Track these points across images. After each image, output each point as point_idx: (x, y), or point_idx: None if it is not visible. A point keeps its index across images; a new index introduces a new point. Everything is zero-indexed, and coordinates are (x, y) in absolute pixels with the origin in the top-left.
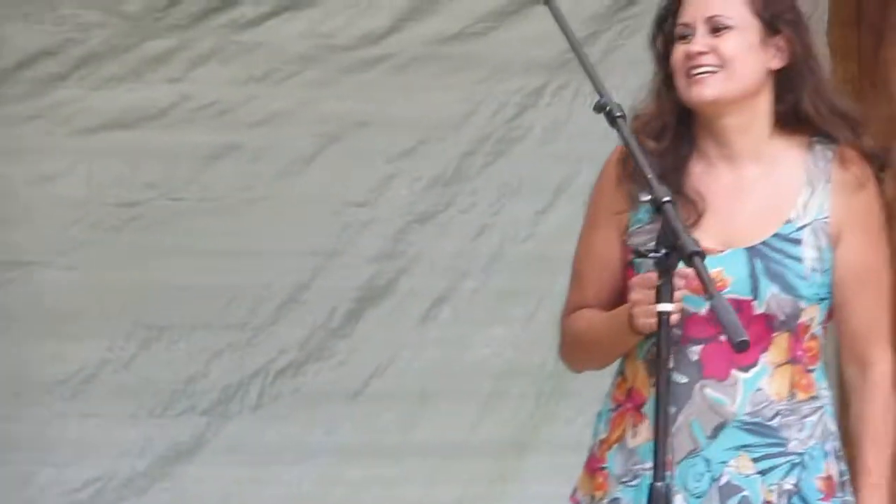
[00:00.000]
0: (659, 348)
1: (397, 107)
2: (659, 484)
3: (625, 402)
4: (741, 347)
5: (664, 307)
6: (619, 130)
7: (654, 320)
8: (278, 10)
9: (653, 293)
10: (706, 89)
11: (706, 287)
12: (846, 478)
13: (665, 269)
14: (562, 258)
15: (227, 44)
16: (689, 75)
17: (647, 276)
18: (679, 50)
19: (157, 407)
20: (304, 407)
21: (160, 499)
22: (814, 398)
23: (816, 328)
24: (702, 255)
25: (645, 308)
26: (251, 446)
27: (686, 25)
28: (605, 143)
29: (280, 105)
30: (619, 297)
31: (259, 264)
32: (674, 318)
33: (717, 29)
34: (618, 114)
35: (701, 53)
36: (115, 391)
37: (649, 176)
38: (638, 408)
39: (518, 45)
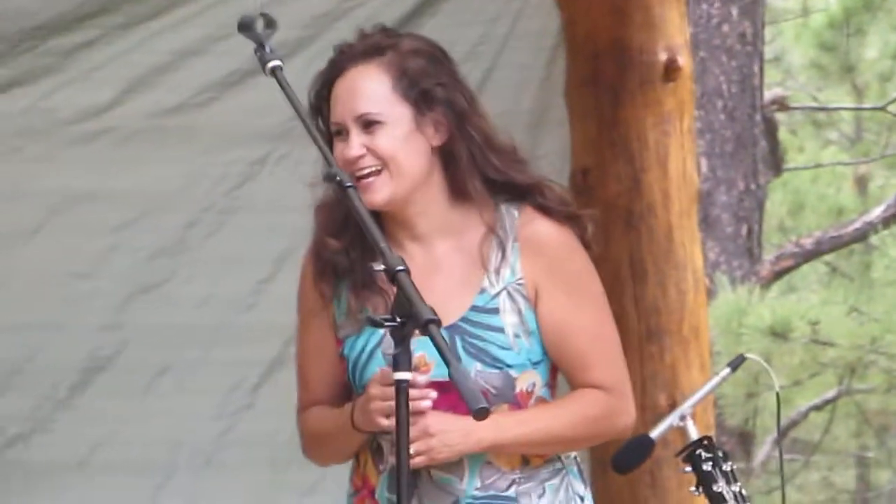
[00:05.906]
0: (398, 417)
1: (119, 179)
2: None
3: (362, 489)
4: (480, 415)
5: (402, 375)
6: (349, 199)
7: (387, 422)
8: (2, 86)
9: (390, 390)
10: (375, 195)
11: (444, 356)
12: None
13: (402, 338)
14: (286, 326)
15: None
16: (355, 178)
17: (385, 372)
18: (337, 149)
19: None
20: (32, 480)
21: None
22: (552, 461)
23: (542, 391)
24: (438, 322)
25: (381, 405)
26: None
27: (338, 124)
28: None
29: (2, 180)
30: (345, 388)
31: None
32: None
33: (368, 124)
34: (347, 184)
35: (358, 157)
36: None
37: (381, 246)
38: (371, 494)
39: (240, 115)
